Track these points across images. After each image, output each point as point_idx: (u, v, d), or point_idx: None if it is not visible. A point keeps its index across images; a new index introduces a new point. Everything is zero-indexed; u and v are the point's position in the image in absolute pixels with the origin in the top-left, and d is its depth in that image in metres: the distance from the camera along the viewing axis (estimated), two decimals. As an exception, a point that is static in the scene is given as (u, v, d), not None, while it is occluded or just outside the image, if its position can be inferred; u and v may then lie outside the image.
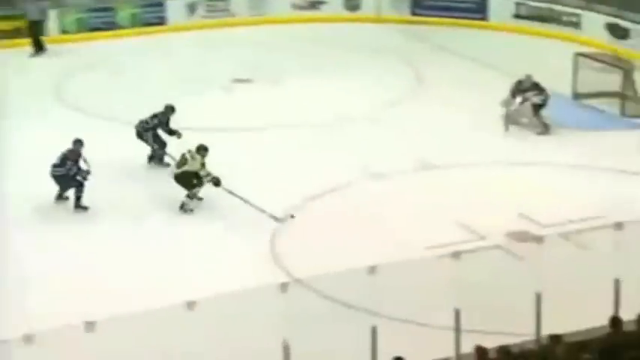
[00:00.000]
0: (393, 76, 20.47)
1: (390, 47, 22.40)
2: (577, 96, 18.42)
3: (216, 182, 13.98)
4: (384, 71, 20.71)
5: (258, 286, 9.95)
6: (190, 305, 8.31)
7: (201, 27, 23.84)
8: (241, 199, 13.83)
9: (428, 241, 12.52)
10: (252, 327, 10.36)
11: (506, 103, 17.24)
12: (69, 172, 14.15)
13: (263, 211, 13.60)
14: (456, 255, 9.01)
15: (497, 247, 12.30)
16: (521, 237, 12.88)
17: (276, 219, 13.49)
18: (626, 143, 16.65)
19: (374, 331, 8.87)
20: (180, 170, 14.13)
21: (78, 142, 14.44)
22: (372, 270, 8.66)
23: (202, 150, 14.14)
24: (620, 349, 8.38)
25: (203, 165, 14.03)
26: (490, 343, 8.40)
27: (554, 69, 18.38)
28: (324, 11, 24.69)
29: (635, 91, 18.24)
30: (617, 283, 9.53)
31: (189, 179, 14.05)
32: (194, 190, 14.05)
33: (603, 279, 9.69)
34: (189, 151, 14.15)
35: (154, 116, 15.55)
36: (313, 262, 12.22)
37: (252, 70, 20.53)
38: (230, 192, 13.96)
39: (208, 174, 13.99)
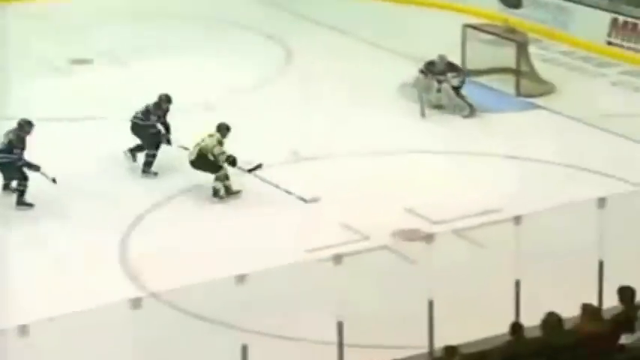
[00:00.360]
0: (255, 51, 20.53)
1: (249, 19, 22.42)
2: (467, 73, 18.78)
3: (232, 161, 14.34)
4: (245, 46, 20.75)
5: (106, 303, 9.82)
6: (22, 330, 8.08)
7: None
8: (264, 180, 14.37)
9: (305, 244, 12.64)
10: (99, 352, 10.22)
11: (418, 85, 17.48)
12: (16, 162, 13.92)
13: (290, 192, 14.16)
14: (338, 258, 9.08)
15: (384, 247, 12.50)
16: (410, 235, 13.11)
17: (304, 201, 14.07)
18: (522, 126, 17.15)
19: (244, 350, 8.88)
20: (196, 150, 14.37)
21: (27, 125, 14.06)
22: (241, 279, 8.65)
23: (224, 129, 14.44)
24: (523, 357, 8.62)
25: (220, 142, 14.33)
26: (378, 357, 8.53)
27: (440, 43, 18.69)
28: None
29: (530, 67, 18.72)
30: (517, 285, 9.80)
31: (211, 162, 14.30)
32: (220, 173, 14.28)
33: (502, 280, 9.96)
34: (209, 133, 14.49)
35: (146, 109, 15.31)
36: (171, 272, 12.16)
37: (92, 49, 20.26)
38: (249, 171, 14.49)
39: (223, 152, 14.32)
